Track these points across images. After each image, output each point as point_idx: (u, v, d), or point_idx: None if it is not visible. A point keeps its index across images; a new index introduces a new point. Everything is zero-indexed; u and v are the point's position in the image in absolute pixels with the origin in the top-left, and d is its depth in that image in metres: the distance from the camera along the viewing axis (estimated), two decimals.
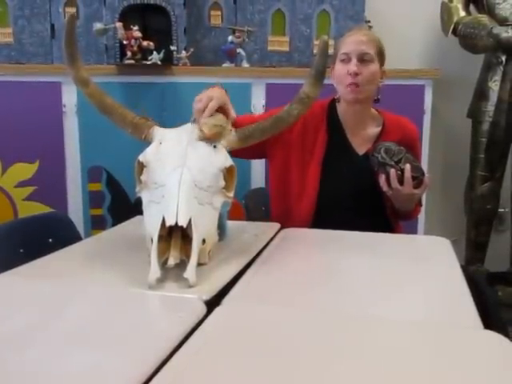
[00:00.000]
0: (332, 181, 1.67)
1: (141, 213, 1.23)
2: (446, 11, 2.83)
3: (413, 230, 2.49)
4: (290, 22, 2.73)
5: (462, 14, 2.79)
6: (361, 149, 1.71)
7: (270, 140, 1.61)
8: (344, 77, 1.62)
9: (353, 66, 1.60)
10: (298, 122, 1.58)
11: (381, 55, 1.67)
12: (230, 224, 1.43)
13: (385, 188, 1.56)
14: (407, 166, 1.52)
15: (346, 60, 1.62)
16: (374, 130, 1.73)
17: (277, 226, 1.56)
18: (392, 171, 1.53)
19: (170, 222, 1.05)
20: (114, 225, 1.93)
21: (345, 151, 1.71)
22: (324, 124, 1.71)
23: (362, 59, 1.61)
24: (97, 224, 2.61)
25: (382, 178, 1.56)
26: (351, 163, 1.69)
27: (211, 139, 1.21)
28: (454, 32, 2.77)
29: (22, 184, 2.58)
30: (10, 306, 0.98)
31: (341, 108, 1.72)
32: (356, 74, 1.60)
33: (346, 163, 1.69)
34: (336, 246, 1.42)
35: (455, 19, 2.77)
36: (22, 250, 1.40)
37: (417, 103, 2.62)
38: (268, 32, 2.74)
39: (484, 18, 2.70)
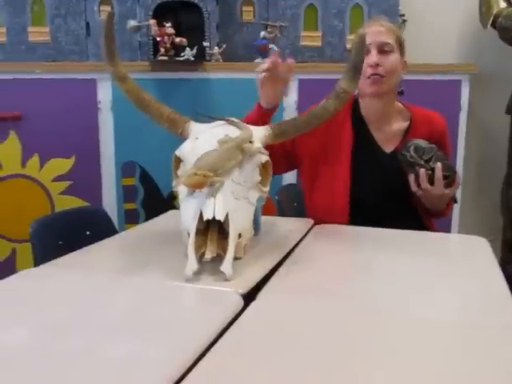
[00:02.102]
0: (360, 180, 1.62)
1: (174, 207, 1.23)
2: (484, 3, 2.74)
3: (447, 229, 2.45)
4: (322, 16, 2.71)
5: (503, 5, 2.69)
6: (388, 146, 1.66)
7: (297, 142, 1.62)
8: (364, 69, 1.51)
9: (373, 56, 1.55)
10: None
11: (401, 45, 1.61)
12: (264, 219, 1.44)
13: (414, 188, 1.51)
14: (438, 165, 1.47)
15: (366, 52, 1.52)
16: (400, 125, 1.67)
17: (310, 221, 1.56)
18: (422, 171, 1.48)
19: (207, 216, 1.06)
20: (146, 219, 1.95)
21: (371, 149, 1.66)
22: (348, 122, 1.65)
23: (382, 50, 1.56)
24: (130, 218, 2.65)
25: (412, 178, 1.51)
26: (378, 162, 1.64)
27: (194, 188, 1.11)
28: (493, 24, 2.69)
29: (59, 178, 2.64)
30: (50, 297, 1.00)
31: (363, 104, 1.67)
32: (377, 65, 1.55)
33: (373, 162, 1.64)
34: (370, 243, 1.41)
35: (495, 11, 2.68)
36: (60, 242, 1.43)
37: (453, 99, 2.57)
38: (300, 27, 2.73)
39: None
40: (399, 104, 1.69)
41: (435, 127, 1.66)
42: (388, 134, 1.67)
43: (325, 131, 1.60)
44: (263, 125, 1.35)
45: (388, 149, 1.66)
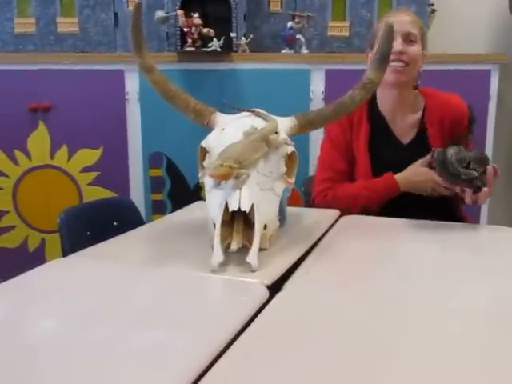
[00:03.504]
0: (379, 172, 1.62)
1: (199, 198, 1.24)
2: None
3: (476, 220, 2.41)
4: (350, 6, 2.68)
5: None
6: (405, 138, 1.67)
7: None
8: None
9: (398, 44, 1.55)
10: (343, 119, 1.58)
11: (423, 37, 1.62)
12: (290, 210, 1.43)
13: (468, 200, 1.44)
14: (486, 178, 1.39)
15: None
16: (416, 115, 1.67)
17: (336, 212, 1.55)
18: (468, 191, 1.41)
19: (232, 207, 1.06)
20: (173, 210, 1.97)
21: (388, 140, 1.67)
22: (365, 114, 1.67)
23: (407, 39, 1.57)
24: (157, 208, 2.67)
25: (458, 190, 1.45)
26: (396, 153, 1.64)
27: (220, 179, 1.11)
28: None
29: (87, 169, 2.67)
30: (78, 286, 1.02)
31: (380, 94, 1.68)
32: (401, 53, 1.56)
33: (392, 153, 1.65)
34: (397, 234, 1.40)
35: None
36: (88, 233, 1.45)
37: (482, 89, 2.53)
38: (328, 17, 2.70)
39: None
40: (415, 91, 1.69)
41: (450, 111, 1.64)
42: (404, 125, 1.68)
43: (345, 124, 1.64)
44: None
45: (405, 140, 1.67)
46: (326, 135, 1.72)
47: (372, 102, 1.69)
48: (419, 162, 1.55)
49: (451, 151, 1.41)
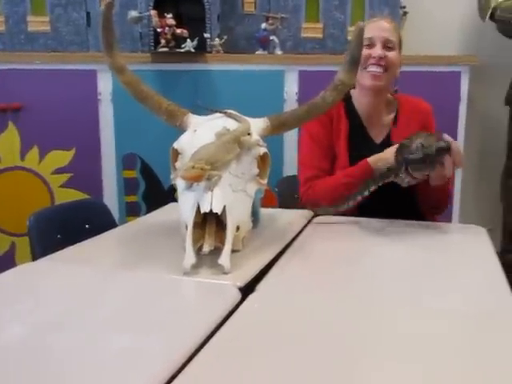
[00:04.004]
0: None
1: (174, 200, 1.24)
2: None
3: (447, 219, 2.45)
4: (323, 8, 2.69)
5: None
6: (378, 137, 1.71)
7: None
8: (365, 60, 1.58)
9: (378, 49, 1.59)
10: (323, 117, 1.60)
11: (400, 45, 1.66)
12: (264, 211, 1.44)
13: (450, 173, 1.42)
14: (446, 139, 1.37)
15: (370, 45, 1.60)
16: (389, 116, 1.71)
17: (310, 213, 1.56)
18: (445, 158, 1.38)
19: (204, 209, 1.06)
20: (148, 211, 1.96)
21: (364, 138, 1.70)
22: (343, 113, 1.69)
23: (386, 46, 1.61)
24: (131, 211, 2.65)
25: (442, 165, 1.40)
26: (371, 152, 1.64)
27: (191, 181, 1.11)
28: (492, 17, 2.70)
29: (59, 171, 2.63)
30: (49, 291, 1.01)
31: (356, 96, 1.71)
32: (380, 58, 1.59)
33: (367, 152, 1.64)
34: (368, 234, 1.42)
35: (493, 4, 2.69)
36: (59, 236, 1.43)
37: (453, 90, 2.56)
38: (302, 19, 2.71)
39: None
40: (388, 95, 1.73)
41: (420, 112, 1.71)
42: (379, 126, 1.71)
43: (326, 125, 1.66)
44: None
45: (378, 140, 1.71)
46: (304, 133, 1.72)
47: (348, 99, 1.71)
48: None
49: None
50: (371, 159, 1.57)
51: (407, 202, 1.63)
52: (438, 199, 1.62)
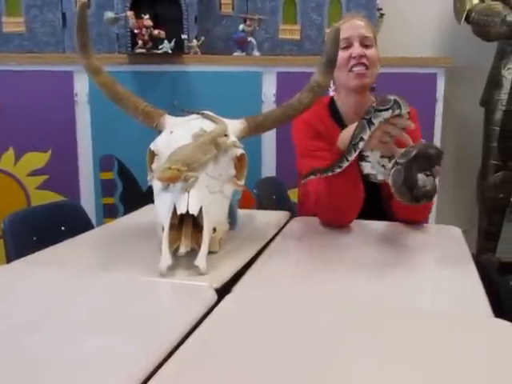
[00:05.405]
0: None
1: (152, 201, 1.23)
2: None
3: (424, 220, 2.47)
4: (301, 10, 2.71)
5: (475, 1, 2.76)
6: None
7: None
8: (346, 62, 1.56)
9: (356, 48, 1.56)
10: (309, 129, 1.59)
11: (375, 41, 1.64)
12: (241, 212, 1.44)
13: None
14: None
15: (347, 46, 1.56)
16: None
17: (287, 214, 1.56)
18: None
19: (181, 211, 1.06)
20: (125, 213, 1.94)
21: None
22: (330, 119, 1.67)
23: (363, 43, 1.58)
24: (109, 212, 2.63)
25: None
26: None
27: (167, 182, 1.10)
28: (467, 19, 2.74)
29: (35, 173, 2.61)
30: (23, 293, 0.99)
31: (340, 100, 1.69)
32: (361, 57, 1.56)
33: None
34: (345, 235, 1.42)
35: (468, 6, 2.74)
36: (34, 238, 1.41)
37: (429, 92, 2.59)
38: (279, 20, 2.72)
39: (498, 6, 2.66)
40: (371, 97, 1.71)
41: None
42: None
43: (314, 136, 1.62)
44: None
45: None
46: (303, 153, 1.64)
47: (332, 106, 1.69)
48: None
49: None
50: (339, 141, 1.46)
51: (382, 206, 1.63)
52: (417, 211, 1.52)
